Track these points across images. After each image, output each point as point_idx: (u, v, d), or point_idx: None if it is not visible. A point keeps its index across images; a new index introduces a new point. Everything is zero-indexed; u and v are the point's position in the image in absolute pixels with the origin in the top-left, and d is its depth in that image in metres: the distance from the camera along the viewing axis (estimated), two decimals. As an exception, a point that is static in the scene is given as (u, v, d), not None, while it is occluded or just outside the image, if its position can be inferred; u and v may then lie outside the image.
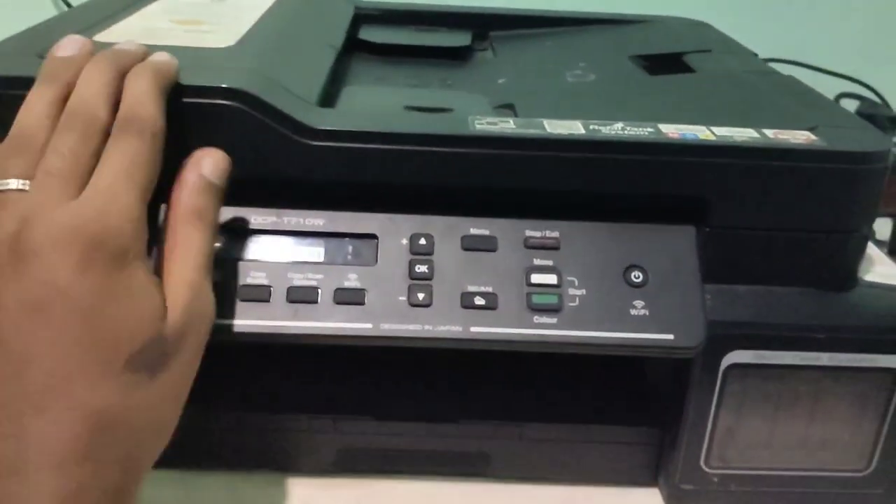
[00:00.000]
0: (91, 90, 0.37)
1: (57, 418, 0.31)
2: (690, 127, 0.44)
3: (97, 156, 0.35)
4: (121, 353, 0.32)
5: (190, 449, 0.47)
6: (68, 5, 0.93)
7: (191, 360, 0.36)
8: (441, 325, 0.41)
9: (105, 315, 0.32)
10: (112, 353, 0.32)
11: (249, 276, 0.42)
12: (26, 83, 0.38)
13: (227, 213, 0.43)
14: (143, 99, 0.37)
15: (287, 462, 0.48)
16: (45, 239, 0.32)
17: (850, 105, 0.99)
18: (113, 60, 0.39)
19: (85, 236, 0.32)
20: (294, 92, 0.44)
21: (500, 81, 0.59)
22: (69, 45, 0.40)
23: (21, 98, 0.38)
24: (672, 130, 0.43)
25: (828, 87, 0.96)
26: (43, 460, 0.31)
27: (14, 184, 0.33)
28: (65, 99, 0.37)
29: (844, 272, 0.45)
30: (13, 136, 0.36)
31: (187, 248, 0.36)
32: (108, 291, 0.32)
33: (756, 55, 0.63)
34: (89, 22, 0.53)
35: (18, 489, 0.31)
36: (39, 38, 0.45)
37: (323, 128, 0.41)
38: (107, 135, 0.36)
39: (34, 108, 0.36)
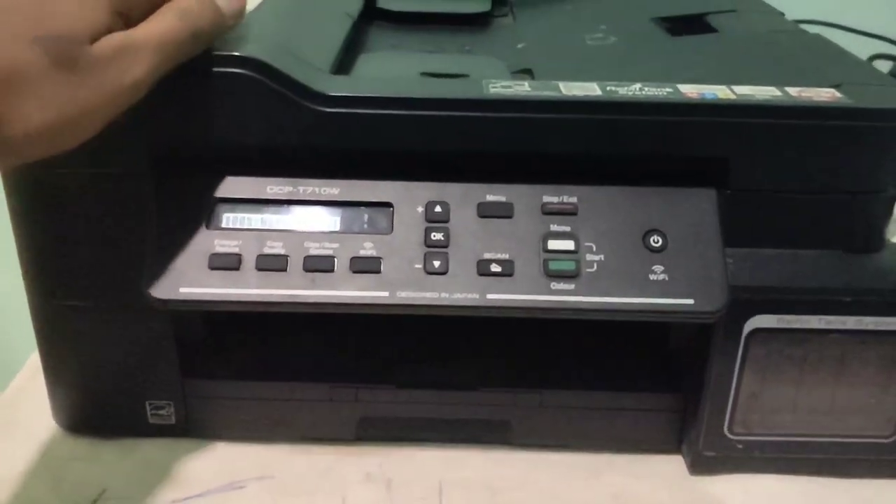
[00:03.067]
0: None
1: None
2: (710, 87, 0.43)
3: None
4: (39, 27, 0.33)
5: (213, 419, 0.48)
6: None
7: (94, 97, 0.35)
8: (457, 292, 0.41)
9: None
10: (32, 22, 0.33)
11: (266, 246, 0.42)
12: None
13: (245, 183, 0.43)
14: None
15: (309, 431, 0.49)
16: None
17: (885, 66, 0.96)
18: None
19: None
20: (308, 60, 0.44)
21: (520, 46, 0.58)
22: None
23: None
24: (691, 90, 0.42)
25: (861, 49, 0.94)
26: None
27: None
28: None
29: (871, 234, 0.44)
30: None
31: (150, 24, 0.37)
32: None
33: (783, 14, 0.62)
34: None
35: None
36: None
37: (334, 94, 0.41)
38: None
39: None
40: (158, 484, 0.46)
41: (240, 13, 0.41)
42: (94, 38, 0.34)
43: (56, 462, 0.48)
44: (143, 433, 0.48)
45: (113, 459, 0.48)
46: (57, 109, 0.34)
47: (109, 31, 0.35)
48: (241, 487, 0.46)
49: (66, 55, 0.33)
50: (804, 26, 0.62)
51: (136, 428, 0.48)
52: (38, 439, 0.49)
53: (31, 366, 0.54)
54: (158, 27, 0.37)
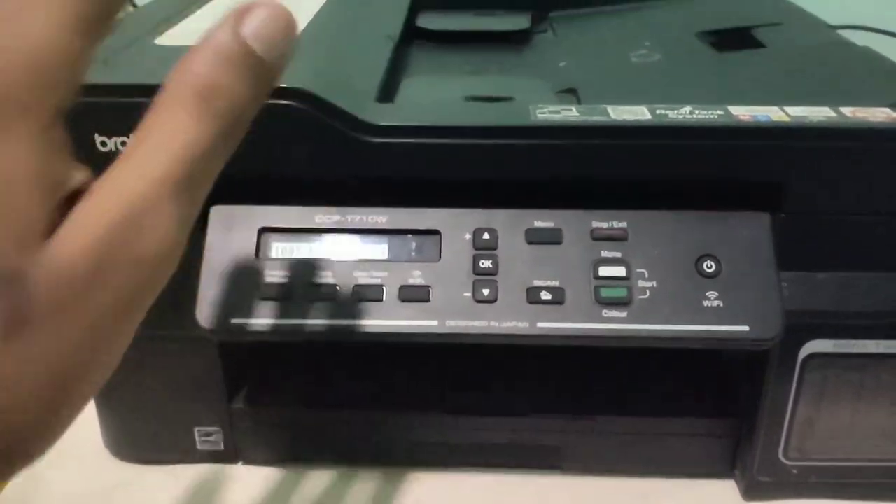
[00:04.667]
0: None
1: None
2: (762, 108, 0.42)
3: None
4: None
5: (262, 445, 0.48)
6: (133, 5, 0.94)
7: (92, 331, 0.20)
8: (507, 321, 0.41)
9: None
10: None
11: (316, 276, 0.42)
12: (94, 90, 0.39)
13: (293, 213, 0.43)
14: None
15: (358, 456, 0.49)
16: None
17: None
18: None
19: None
20: (353, 87, 0.44)
21: (562, 65, 0.57)
22: None
23: (93, 106, 0.38)
24: (743, 112, 0.41)
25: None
26: None
27: None
28: None
29: (930, 255, 0.43)
30: None
31: (162, 142, 0.21)
32: None
33: (829, 25, 0.60)
34: (152, 23, 0.53)
35: None
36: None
37: (383, 124, 0.40)
38: None
39: None
40: (208, 511, 0.46)
41: (290, 48, 0.24)
42: (42, 235, 0.19)
43: (106, 488, 0.48)
44: (192, 459, 0.49)
45: (162, 486, 0.48)
46: (45, 387, 0.20)
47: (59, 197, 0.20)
48: (290, 515, 0.46)
49: (8, 313, 0.19)
50: (847, 31, 0.61)
51: (185, 454, 0.48)
52: (88, 466, 0.49)
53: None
54: (168, 154, 0.21)
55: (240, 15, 0.23)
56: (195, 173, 0.22)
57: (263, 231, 0.42)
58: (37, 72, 0.19)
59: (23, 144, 0.19)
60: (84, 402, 0.22)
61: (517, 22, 0.66)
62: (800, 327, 0.42)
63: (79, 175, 0.21)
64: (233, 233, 0.42)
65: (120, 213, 0.20)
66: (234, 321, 0.41)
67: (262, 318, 0.41)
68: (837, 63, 0.51)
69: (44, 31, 0.20)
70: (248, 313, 0.41)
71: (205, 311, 0.41)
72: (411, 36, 0.64)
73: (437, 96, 0.50)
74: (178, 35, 0.50)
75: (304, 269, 0.42)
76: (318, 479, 0.48)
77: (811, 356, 0.43)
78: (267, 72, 0.23)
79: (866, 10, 0.90)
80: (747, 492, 0.47)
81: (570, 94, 0.50)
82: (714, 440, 0.47)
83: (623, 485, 0.48)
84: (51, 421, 0.21)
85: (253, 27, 0.23)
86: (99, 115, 0.40)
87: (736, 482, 0.48)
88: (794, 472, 0.46)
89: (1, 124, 0.19)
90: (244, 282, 0.42)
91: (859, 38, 0.56)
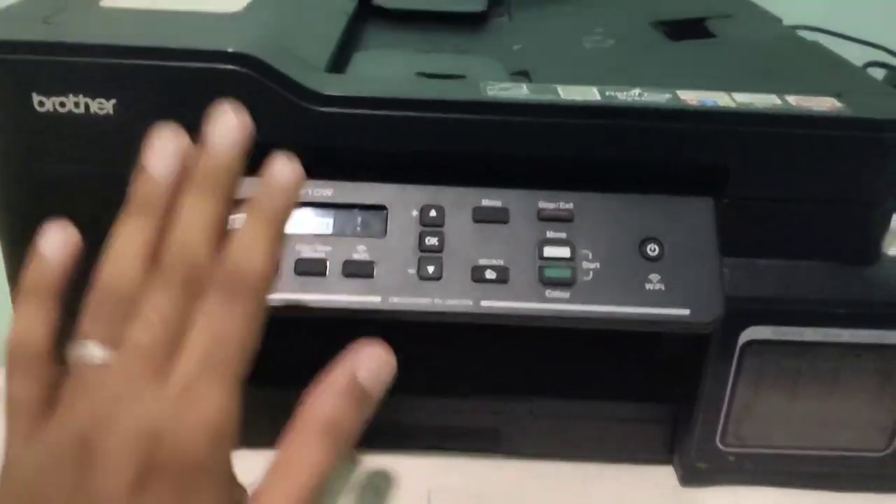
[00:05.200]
0: (193, 234, 0.30)
1: None
2: (710, 93, 0.42)
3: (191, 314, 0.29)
4: None
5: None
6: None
7: None
8: (451, 298, 0.40)
9: None
10: None
11: (256, 248, 0.41)
12: (33, 48, 0.38)
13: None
14: (253, 250, 0.30)
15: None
16: (111, 445, 0.27)
17: (878, 75, 0.96)
18: (219, 187, 0.31)
19: (148, 451, 0.27)
20: (302, 58, 0.43)
21: (516, 48, 0.57)
22: (162, 157, 0.31)
23: (31, 64, 0.38)
24: (691, 97, 0.42)
25: (855, 56, 0.93)
26: None
27: (97, 354, 0.28)
28: (157, 236, 0.30)
29: (868, 246, 0.44)
30: (99, 288, 0.30)
31: (298, 471, 0.29)
32: None
33: (780, 21, 0.61)
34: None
35: None
36: (46, 2, 0.45)
37: (330, 93, 0.40)
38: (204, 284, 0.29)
39: (123, 252, 0.30)
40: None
41: (389, 380, 0.32)
42: None
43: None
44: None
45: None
46: None
47: None
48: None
49: None
50: (797, 32, 0.62)
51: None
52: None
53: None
54: (301, 487, 0.29)
55: (355, 359, 0.31)
56: (319, 489, 0.29)
57: (204, 200, 0.41)
58: (215, 438, 0.27)
59: None
60: None
61: (474, 4, 0.65)
62: (739, 313, 0.42)
63: None
64: (172, 201, 0.41)
65: None
66: (170, 291, 0.40)
67: (200, 290, 0.40)
68: (786, 55, 0.51)
69: (218, 401, 0.28)
70: (186, 284, 0.40)
71: (140, 280, 0.40)
72: (366, 14, 0.63)
73: (389, 71, 0.49)
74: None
75: (245, 241, 0.41)
76: (253, 460, 0.47)
77: (750, 342, 0.43)
78: (373, 401, 0.31)
79: (818, 11, 0.92)
80: (685, 478, 0.47)
81: (523, 75, 0.50)
82: (652, 425, 0.48)
83: (561, 468, 0.48)
84: None
85: (366, 371, 0.30)
86: (38, 74, 0.39)
87: (674, 468, 0.48)
88: (732, 458, 0.47)
89: (192, 489, 0.27)
90: (182, 252, 0.41)
91: (812, 39, 0.57)
